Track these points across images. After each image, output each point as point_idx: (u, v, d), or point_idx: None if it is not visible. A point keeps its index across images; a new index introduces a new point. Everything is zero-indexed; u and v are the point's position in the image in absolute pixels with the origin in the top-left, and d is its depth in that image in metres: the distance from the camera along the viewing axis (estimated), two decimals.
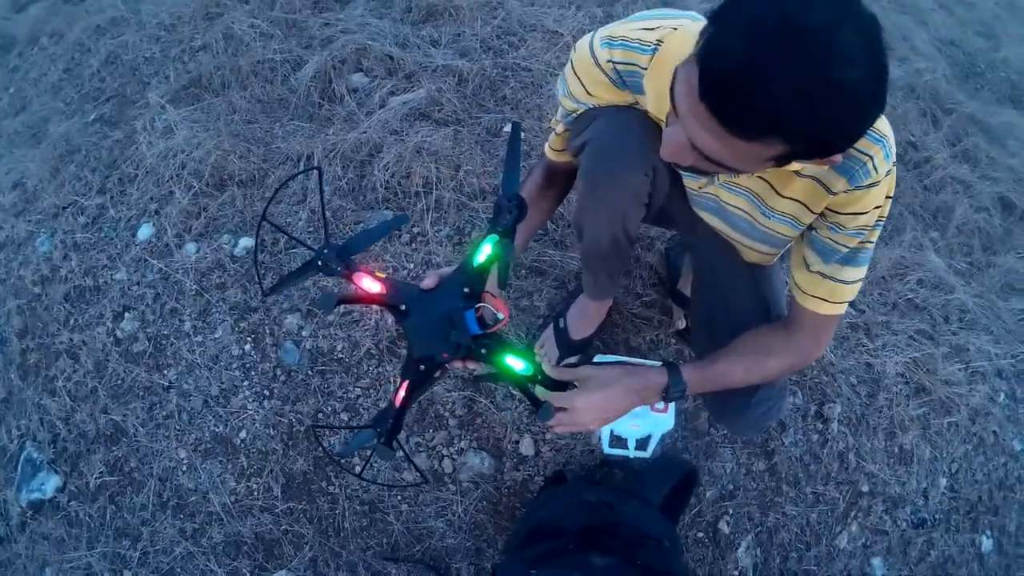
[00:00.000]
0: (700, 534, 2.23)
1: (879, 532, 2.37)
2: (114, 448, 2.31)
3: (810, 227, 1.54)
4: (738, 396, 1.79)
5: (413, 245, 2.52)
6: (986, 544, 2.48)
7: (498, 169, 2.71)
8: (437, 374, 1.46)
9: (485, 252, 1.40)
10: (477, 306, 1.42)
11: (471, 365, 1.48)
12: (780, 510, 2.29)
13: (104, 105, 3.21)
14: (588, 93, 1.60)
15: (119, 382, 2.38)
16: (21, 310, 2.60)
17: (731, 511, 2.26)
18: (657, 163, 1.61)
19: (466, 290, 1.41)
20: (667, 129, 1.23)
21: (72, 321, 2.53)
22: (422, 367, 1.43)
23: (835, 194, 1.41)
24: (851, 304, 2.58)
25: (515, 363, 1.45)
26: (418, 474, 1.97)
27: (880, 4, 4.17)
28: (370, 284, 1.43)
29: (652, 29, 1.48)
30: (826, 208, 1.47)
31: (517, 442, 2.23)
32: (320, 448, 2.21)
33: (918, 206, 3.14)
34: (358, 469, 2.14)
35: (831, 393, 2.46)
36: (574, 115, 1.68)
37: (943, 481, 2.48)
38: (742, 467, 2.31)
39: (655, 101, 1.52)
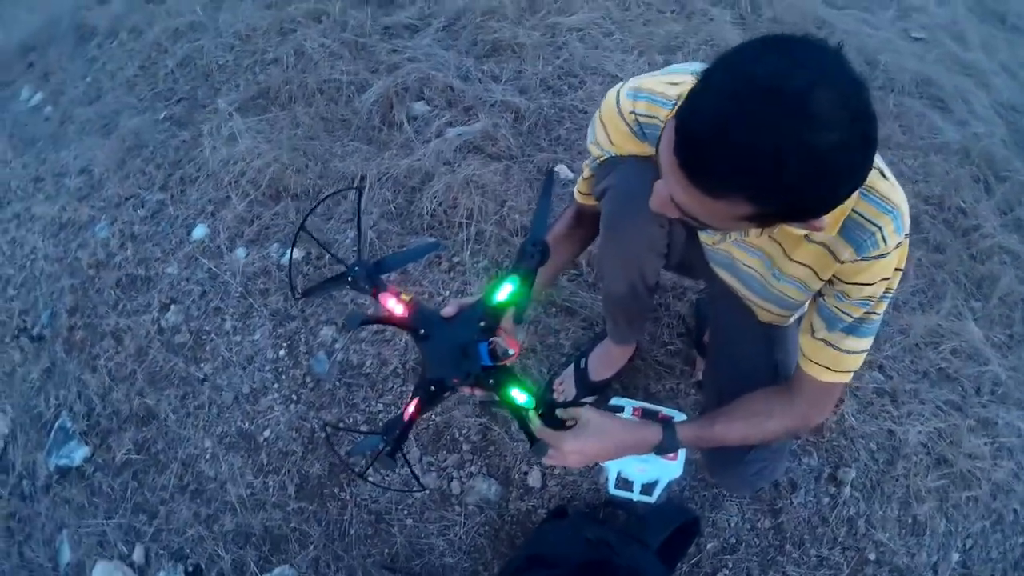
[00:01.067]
0: None
1: None
2: (144, 429, 2.50)
3: (819, 293, 1.57)
4: (733, 452, 1.88)
5: (451, 273, 2.70)
6: None
7: (553, 204, 2.86)
8: (446, 395, 1.59)
9: (505, 291, 1.52)
10: (490, 340, 1.55)
11: (478, 392, 1.59)
12: (781, 570, 2.33)
13: (175, 105, 3.45)
14: (611, 141, 1.67)
15: (157, 369, 2.58)
16: (74, 289, 2.82)
17: (731, 565, 2.31)
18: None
19: (482, 324, 1.54)
20: (657, 183, 1.28)
21: (121, 306, 2.74)
22: (432, 388, 1.55)
23: (842, 263, 1.44)
24: (880, 368, 2.68)
25: (518, 395, 1.56)
26: (417, 483, 2.09)
27: (944, 65, 4.24)
28: (394, 305, 1.56)
29: (676, 84, 1.54)
30: (833, 276, 1.49)
31: (526, 473, 2.36)
32: (330, 446, 2.38)
33: (962, 274, 3.13)
34: (370, 476, 2.31)
35: (848, 457, 2.50)
36: (599, 161, 1.75)
37: (955, 556, 2.46)
38: (747, 522, 2.37)
39: None
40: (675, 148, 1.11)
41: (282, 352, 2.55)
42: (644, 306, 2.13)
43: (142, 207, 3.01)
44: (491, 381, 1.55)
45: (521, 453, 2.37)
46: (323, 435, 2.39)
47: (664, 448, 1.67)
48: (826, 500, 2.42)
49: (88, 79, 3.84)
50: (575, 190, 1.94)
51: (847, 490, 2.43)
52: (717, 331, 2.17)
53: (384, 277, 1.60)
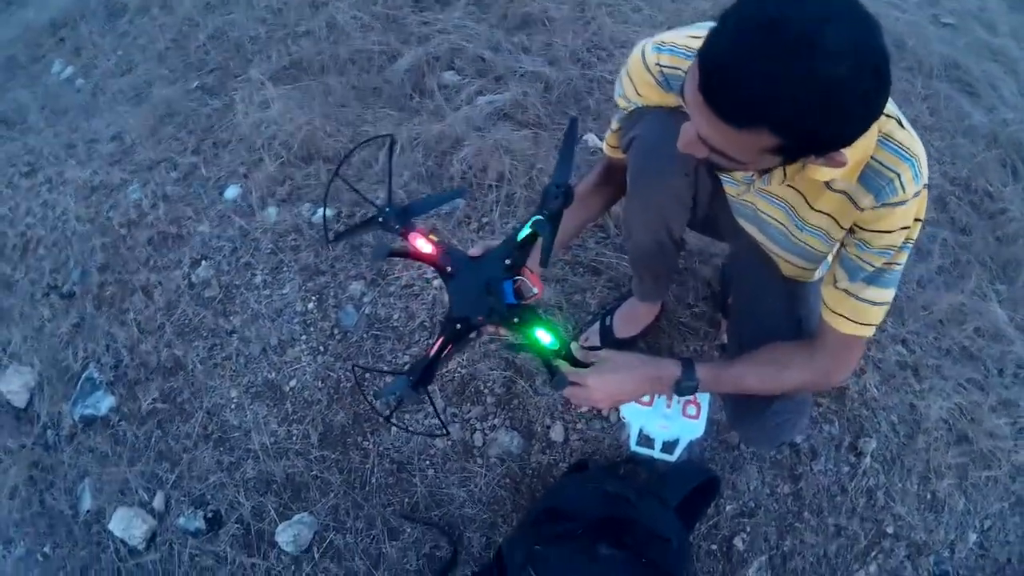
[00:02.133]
0: (714, 547, 2.32)
1: None
2: (171, 380, 2.56)
3: (842, 243, 1.60)
4: (755, 402, 1.91)
5: (480, 232, 2.75)
6: None
7: (578, 171, 2.90)
8: (472, 335, 1.65)
9: (529, 231, 1.56)
10: (515, 278, 1.60)
11: (503, 332, 1.65)
12: (799, 536, 2.35)
13: (207, 76, 3.53)
14: (638, 93, 1.72)
15: (186, 322, 2.65)
16: (105, 247, 2.89)
17: (748, 529, 2.34)
18: (699, 164, 1.69)
19: (507, 262, 1.59)
20: (685, 123, 1.33)
21: (152, 262, 2.81)
22: (458, 326, 1.61)
23: (862, 210, 1.46)
24: (903, 343, 2.69)
25: (543, 336, 1.62)
26: (442, 427, 2.13)
27: (973, 51, 4.25)
28: (423, 244, 1.61)
29: (698, 37, 1.47)
30: (854, 224, 1.52)
31: (549, 427, 2.40)
32: (358, 386, 2.44)
33: (988, 256, 3.15)
34: (395, 420, 2.36)
35: (869, 428, 2.51)
36: (627, 112, 1.80)
37: (972, 536, 2.46)
38: (766, 486, 2.40)
39: None
40: (699, 86, 1.17)
41: (311, 305, 2.61)
42: (670, 262, 2.18)
43: (174, 169, 3.08)
44: (515, 320, 1.60)
45: (545, 407, 2.41)
46: (352, 377, 2.45)
47: (682, 385, 1.71)
48: (846, 469, 2.45)
49: (119, 52, 3.93)
50: (604, 143, 1.98)
51: (867, 460, 2.45)
52: (741, 288, 2.21)
53: (413, 221, 1.64)
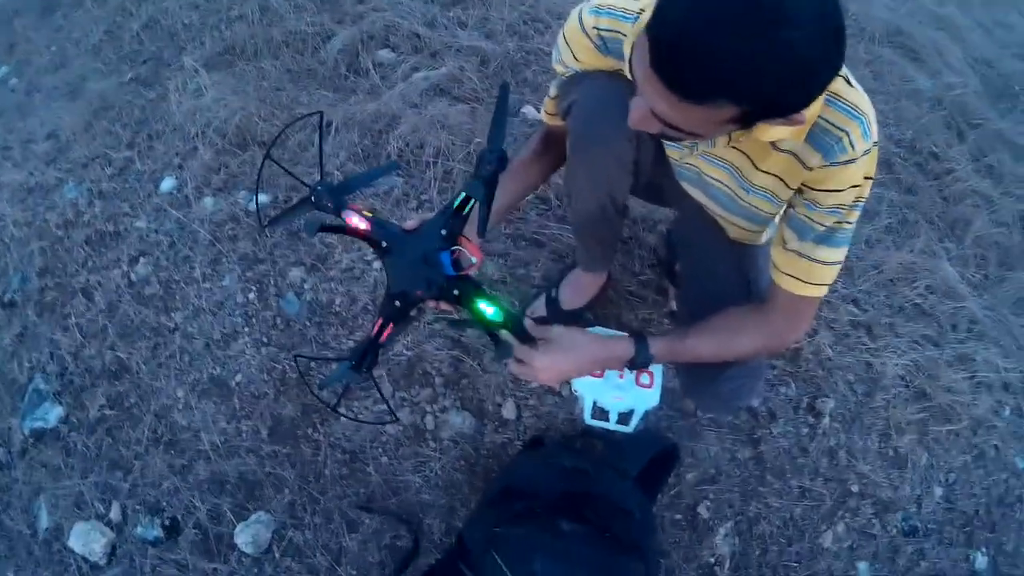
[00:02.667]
0: (678, 516, 2.31)
1: (867, 535, 2.40)
2: (117, 383, 2.50)
3: (789, 204, 1.57)
4: (708, 369, 1.87)
5: (419, 211, 2.70)
6: (980, 561, 2.48)
7: (508, 147, 2.85)
8: (413, 312, 1.61)
9: (463, 197, 1.54)
10: (452, 248, 1.57)
11: (444, 306, 1.62)
12: (763, 501, 2.35)
13: (141, 67, 3.47)
14: (576, 58, 1.68)
15: (128, 322, 2.59)
16: (44, 251, 2.82)
17: (711, 496, 2.33)
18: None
19: (443, 232, 1.55)
20: (634, 98, 1.28)
21: (90, 263, 2.75)
22: (397, 303, 1.58)
23: (810, 169, 1.44)
24: (854, 302, 2.70)
25: (486, 308, 1.58)
26: (390, 413, 2.11)
27: (916, 20, 4.27)
28: (357, 220, 1.57)
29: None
30: (802, 184, 1.49)
31: (500, 405, 2.38)
32: (300, 377, 2.39)
33: (935, 216, 3.18)
34: (342, 409, 2.33)
35: (826, 388, 2.52)
36: (565, 78, 1.76)
37: (938, 490, 2.49)
38: (726, 452, 2.40)
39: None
40: (651, 62, 1.13)
41: (252, 295, 2.57)
42: (614, 229, 2.15)
43: (109, 165, 3.02)
44: (456, 293, 1.57)
45: (495, 385, 2.39)
46: (295, 366, 2.41)
47: (636, 362, 1.70)
48: (805, 431, 2.47)
49: (53, 48, 3.87)
50: (542, 111, 1.94)
51: (826, 421, 2.47)
52: (688, 254, 2.17)
53: (347, 199, 1.60)
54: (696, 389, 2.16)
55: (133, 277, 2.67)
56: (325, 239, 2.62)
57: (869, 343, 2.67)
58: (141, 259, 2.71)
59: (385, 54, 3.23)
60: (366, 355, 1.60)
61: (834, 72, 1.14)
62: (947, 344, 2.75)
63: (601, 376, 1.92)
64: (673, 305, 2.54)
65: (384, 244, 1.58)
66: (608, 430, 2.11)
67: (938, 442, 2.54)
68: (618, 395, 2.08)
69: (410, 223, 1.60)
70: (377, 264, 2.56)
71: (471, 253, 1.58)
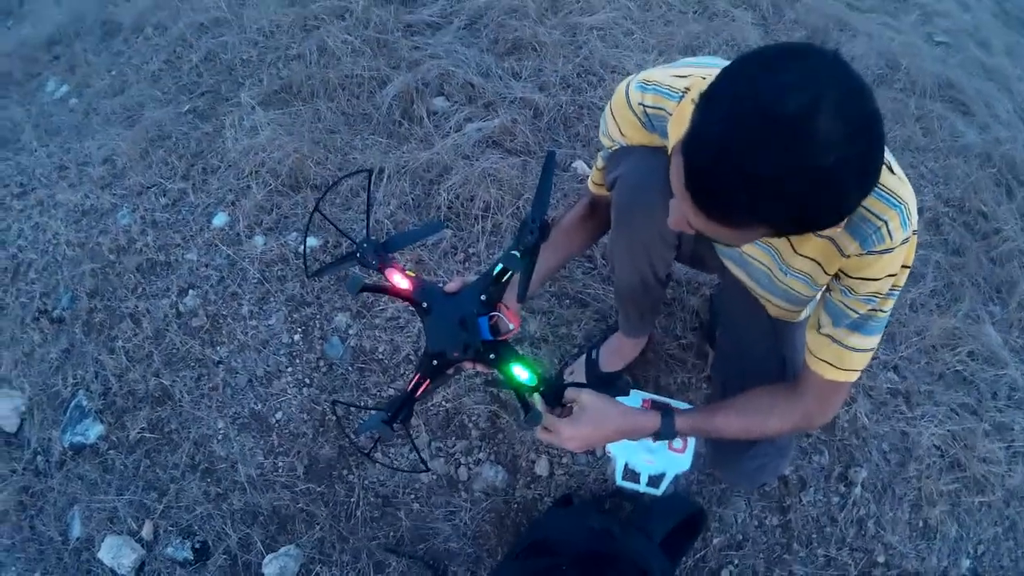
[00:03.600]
0: None
1: None
2: (159, 409, 2.57)
3: (827, 288, 1.57)
4: (734, 445, 1.91)
5: (467, 263, 2.78)
6: None
7: (559, 203, 2.96)
8: (449, 371, 1.66)
9: (504, 266, 1.57)
10: (491, 314, 1.61)
11: (480, 367, 1.65)
12: (787, 568, 2.33)
13: (198, 99, 3.55)
14: (621, 133, 1.72)
15: (174, 351, 2.66)
16: (95, 273, 2.89)
17: (736, 562, 2.32)
18: None
19: (483, 297, 1.60)
20: (672, 201, 1.28)
21: (140, 290, 2.82)
22: (435, 362, 1.62)
23: (847, 257, 1.43)
24: (895, 369, 2.69)
25: (520, 372, 1.62)
26: (423, 464, 2.13)
27: (966, 69, 4.28)
28: (399, 279, 1.62)
29: (683, 76, 1.56)
30: (839, 270, 1.49)
31: (533, 462, 2.43)
32: (337, 422, 2.45)
33: (981, 278, 3.14)
34: (377, 455, 2.39)
35: (859, 457, 2.50)
36: (611, 151, 1.81)
37: (966, 562, 2.44)
38: (754, 519, 2.39)
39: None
40: (686, 183, 1.14)
41: (297, 336, 2.63)
42: (655, 298, 2.18)
43: (164, 195, 3.09)
44: (491, 356, 1.61)
45: (530, 442, 2.43)
46: (332, 412, 2.46)
47: (661, 436, 1.71)
48: (836, 500, 2.45)
49: (113, 72, 3.93)
50: (589, 180, 1.97)
51: (857, 490, 2.45)
52: (727, 323, 2.21)
53: (392, 256, 1.65)
54: (721, 461, 2.19)
55: (181, 308, 2.75)
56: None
57: (907, 411, 2.64)
58: (190, 291, 2.78)
59: (439, 102, 3.31)
60: (401, 408, 1.63)
61: (870, 181, 1.13)
62: (986, 412, 2.70)
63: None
64: (711, 372, 2.57)
65: (425, 305, 1.62)
66: (638, 492, 2.17)
67: (969, 513, 2.50)
68: (649, 458, 2.14)
69: (451, 285, 1.64)
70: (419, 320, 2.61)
71: (508, 320, 1.62)
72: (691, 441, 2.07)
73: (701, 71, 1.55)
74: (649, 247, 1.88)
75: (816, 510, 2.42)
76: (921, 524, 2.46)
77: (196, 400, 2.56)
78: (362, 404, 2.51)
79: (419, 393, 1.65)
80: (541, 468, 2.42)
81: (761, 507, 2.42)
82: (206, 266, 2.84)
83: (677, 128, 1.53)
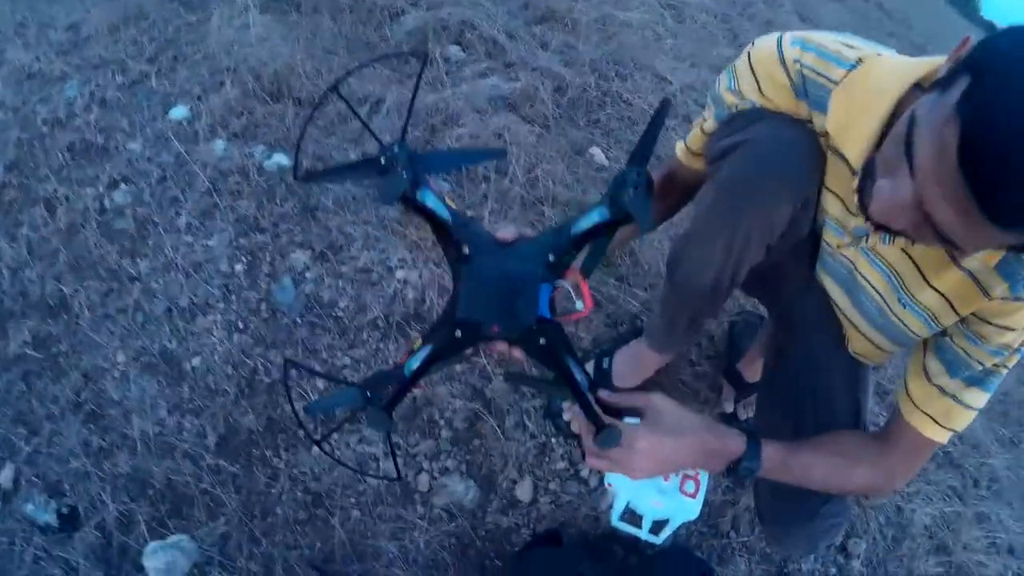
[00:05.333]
0: None
1: None
2: (51, 322, 1.64)
3: (944, 332, 1.07)
4: (808, 502, 1.27)
5: None
6: None
7: (580, 186, 2.06)
8: (468, 351, 0.99)
9: (588, 222, 0.93)
10: (557, 282, 0.95)
11: (516, 353, 0.97)
12: None
13: None
14: (760, 91, 1.10)
15: (85, 253, 1.73)
16: (20, 143, 1.97)
17: None
18: (811, 196, 1.11)
19: (551, 258, 0.93)
20: (885, 182, 0.85)
21: (65, 172, 1.89)
22: (458, 333, 0.93)
23: (990, 299, 0.98)
24: None
25: (575, 372, 0.97)
26: (392, 469, 1.33)
27: None
28: (435, 204, 0.92)
29: (853, 48, 1.05)
30: (971, 314, 1.02)
31: (515, 482, 1.55)
32: (284, 387, 1.53)
33: None
34: (328, 445, 1.49)
35: (859, 528, 1.85)
36: (736, 109, 1.14)
37: None
38: None
39: (838, 124, 1.02)
40: (962, 161, 0.72)
41: (239, 267, 1.70)
42: (716, 307, 1.40)
43: (122, 73, 2.14)
44: (541, 341, 0.93)
45: (514, 455, 1.55)
46: (279, 371, 1.55)
47: (742, 467, 1.08)
48: (833, 571, 1.75)
49: None
50: (680, 145, 1.30)
51: (856, 564, 1.77)
52: (797, 353, 1.38)
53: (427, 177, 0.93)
54: (784, 521, 1.41)
55: (106, 203, 1.80)
56: (345, 227, 1.77)
57: (905, 487, 1.99)
58: (122, 185, 1.84)
59: (455, 51, 2.38)
60: (389, 389, 0.94)
61: None
62: (970, 499, 2.10)
63: (609, 470, 1.20)
64: (727, 407, 1.77)
65: (465, 250, 0.93)
66: (636, 537, 1.36)
67: None
68: (658, 500, 1.33)
69: (505, 232, 0.96)
70: (401, 274, 1.71)
71: (583, 295, 0.96)
72: (704, 486, 1.28)
73: (869, 47, 1.06)
74: (751, 238, 1.13)
75: None
76: None
77: (97, 320, 1.63)
78: (328, 375, 1.59)
79: (421, 374, 0.94)
80: (523, 491, 1.53)
81: (762, 570, 1.67)
82: (149, 160, 1.88)
83: (846, 102, 1.02)
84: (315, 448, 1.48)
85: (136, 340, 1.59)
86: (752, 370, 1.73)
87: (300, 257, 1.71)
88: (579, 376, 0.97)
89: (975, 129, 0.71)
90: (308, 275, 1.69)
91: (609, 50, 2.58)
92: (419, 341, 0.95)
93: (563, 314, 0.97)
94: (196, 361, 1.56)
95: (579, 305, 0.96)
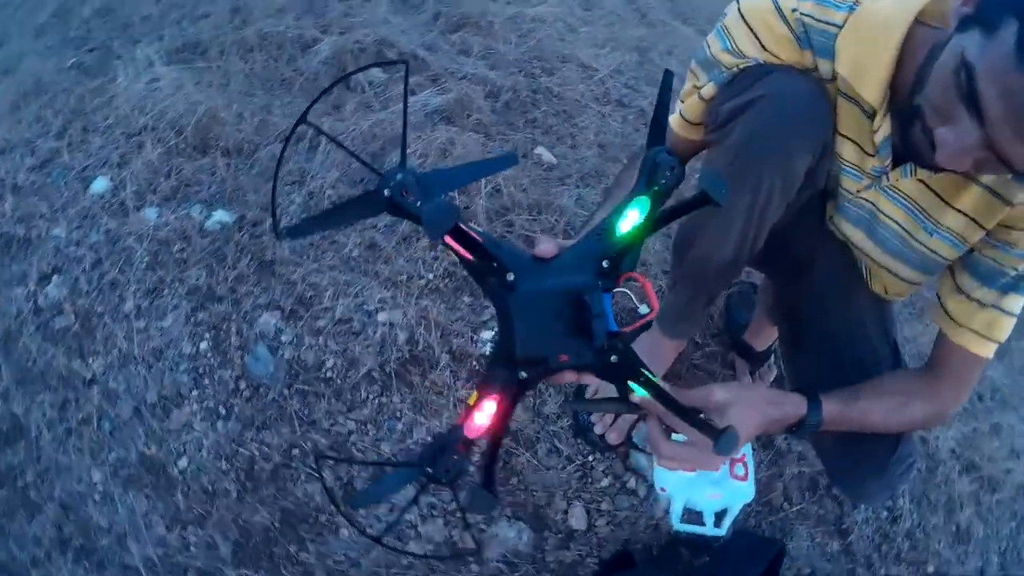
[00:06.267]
0: None
1: None
2: (9, 450, 1.29)
3: (970, 249, 1.00)
4: (877, 452, 1.16)
5: (433, 252, 1.55)
6: None
7: (536, 188, 1.77)
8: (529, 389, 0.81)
9: (632, 218, 0.73)
10: (616, 290, 0.77)
11: (589, 380, 0.79)
12: None
13: (86, 54, 2.16)
14: (762, 46, 0.96)
15: (29, 363, 1.37)
16: None
17: None
18: (828, 143, 0.99)
19: (605, 264, 0.74)
20: (947, 130, 0.76)
21: None
22: (523, 374, 0.73)
23: (1012, 205, 0.92)
24: None
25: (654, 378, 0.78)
26: (468, 542, 1.08)
27: None
28: (461, 233, 0.68)
29: None
30: (997, 224, 0.95)
31: (566, 512, 1.28)
32: (323, 487, 1.22)
33: None
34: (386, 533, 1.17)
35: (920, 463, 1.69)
36: (730, 74, 0.99)
37: (995, 559, 1.75)
38: (817, 547, 1.49)
39: (850, 67, 0.92)
40: None
41: (204, 345, 1.36)
42: (732, 278, 1.27)
43: (31, 155, 1.74)
44: (613, 359, 0.73)
45: (557, 484, 1.29)
46: (315, 471, 1.23)
47: (806, 426, 0.99)
48: (885, 514, 1.60)
49: None
50: (674, 118, 1.11)
51: (902, 502, 1.62)
52: (824, 306, 1.24)
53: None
54: (859, 477, 1.26)
55: (41, 301, 1.44)
56: (310, 277, 1.44)
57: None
58: (54, 277, 1.47)
59: (377, 72, 2.04)
60: (455, 459, 0.71)
61: None
62: (980, 414, 1.95)
63: (692, 471, 1.10)
64: (744, 380, 1.57)
65: (510, 277, 0.71)
66: (703, 536, 1.25)
67: (990, 511, 1.78)
68: (714, 492, 1.23)
69: (544, 247, 0.75)
70: (384, 316, 1.39)
71: (648, 296, 0.81)
72: (751, 465, 1.20)
73: None
74: (773, 195, 0.99)
75: (870, 528, 1.57)
76: (955, 529, 1.71)
77: (60, 439, 1.29)
78: (369, 461, 1.28)
79: (500, 429, 0.74)
80: (576, 519, 1.27)
81: (822, 532, 1.49)
82: (77, 244, 1.50)
83: (853, 45, 0.91)
84: (344, 531, 1.18)
85: (109, 452, 1.26)
86: (760, 339, 1.56)
87: (269, 320, 1.39)
88: (659, 386, 0.77)
89: None
90: (283, 338, 1.37)
91: (529, 47, 2.28)
92: (474, 395, 0.74)
93: (630, 323, 0.82)
94: (183, 463, 1.24)
95: (645, 308, 0.84)
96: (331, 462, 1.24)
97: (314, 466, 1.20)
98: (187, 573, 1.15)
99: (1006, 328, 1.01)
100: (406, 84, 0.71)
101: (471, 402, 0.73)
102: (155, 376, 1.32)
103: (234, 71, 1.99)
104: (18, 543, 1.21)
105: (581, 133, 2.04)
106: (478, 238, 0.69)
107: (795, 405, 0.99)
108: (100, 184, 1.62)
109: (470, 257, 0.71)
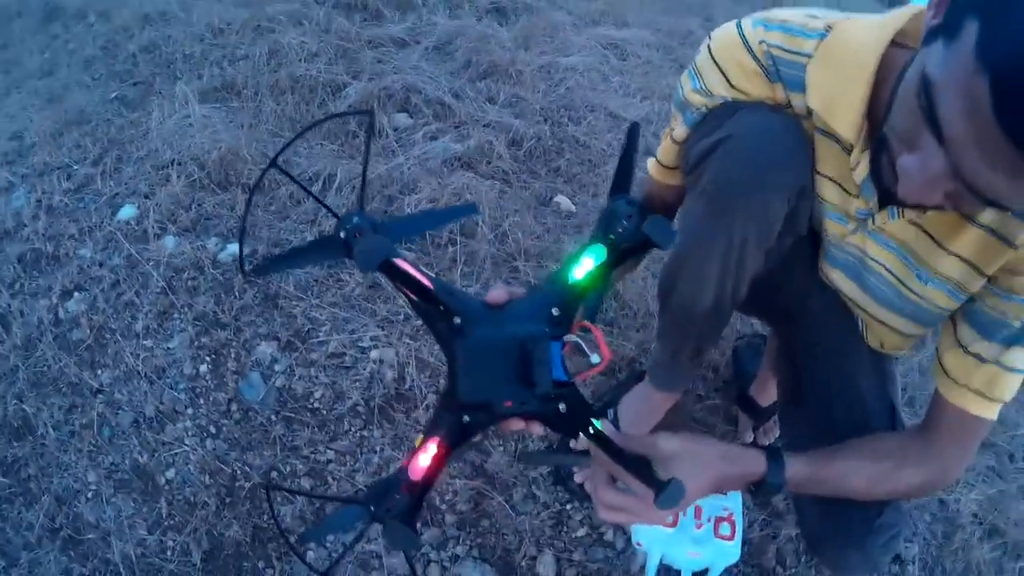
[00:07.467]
0: None
1: None
2: (16, 445, 1.51)
3: (971, 299, 0.95)
4: (860, 519, 1.13)
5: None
6: None
7: (551, 235, 1.98)
8: (476, 437, 0.99)
9: (586, 266, 0.82)
10: (566, 338, 0.83)
11: (535, 429, 0.85)
12: None
13: (129, 88, 2.49)
14: (730, 83, 0.99)
15: (44, 368, 1.60)
16: None
17: None
18: (805, 185, 0.99)
19: (555, 312, 0.81)
20: (909, 158, 0.72)
21: (18, 285, 1.77)
22: (466, 419, 0.80)
23: (1015, 248, 0.86)
24: None
25: (606, 430, 0.83)
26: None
27: None
28: (417, 275, 0.77)
29: (817, 17, 0.95)
30: (1000, 268, 0.89)
31: (534, 559, 1.41)
32: (272, 519, 1.37)
33: None
34: (332, 568, 1.32)
35: (907, 532, 1.69)
36: (701, 114, 1.03)
37: None
38: None
39: (821, 99, 0.91)
40: (1000, 113, 0.59)
41: (204, 368, 1.57)
42: (719, 329, 1.27)
43: (68, 179, 2.03)
44: (561, 408, 0.80)
45: (528, 530, 1.42)
46: (266, 499, 1.40)
47: (766, 486, 0.96)
48: None
49: (46, 55, 2.88)
50: (651, 164, 1.19)
51: (911, 569, 1.62)
52: (816, 360, 1.25)
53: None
54: (839, 544, 1.22)
55: (61, 313, 1.68)
56: (310, 312, 1.66)
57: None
58: (76, 293, 1.71)
59: (402, 118, 2.29)
60: (396, 499, 0.78)
61: None
62: (1009, 475, 1.95)
63: (673, 525, 1.19)
64: (747, 438, 1.64)
65: (456, 321, 0.79)
66: None
67: None
68: (695, 550, 1.25)
69: (495, 293, 0.83)
70: (375, 354, 1.60)
71: (598, 346, 0.85)
72: (740, 524, 1.23)
73: (834, 14, 0.95)
74: (747, 242, 1.01)
75: None
76: None
77: (63, 440, 1.51)
78: (316, 494, 1.43)
79: (435, 473, 0.81)
80: (545, 567, 1.39)
81: None
82: (100, 265, 1.76)
83: (824, 74, 0.91)
84: (310, 553, 1.35)
85: (106, 456, 1.47)
86: (765, 394, 1.60)
87: (266, 349, 1.60)
88: (611, 435, 0.84)
89: (1006, 74, 0.60)
90: (277, 367, 1.58)
91: (558, 96, 2.52)
92: (420, 437, 0.82)
93: (579, 372, 0.88)
94: (171, 473, 1.44)
95: (596, 358, 0.86)
96: (279, 492, 1.41)
97: (266, 492, 1.37)
98: (160, 574, 1.34)
99: (1010, 386, 0.95)
100: (368, 133, 0.91)
101: (418, 444, 0.81)
102: (156, 392, 1.54)
103: (266, 111, 2.26)
104: (14, 527, 1.42)
105: (604, 182, 2.22)
106: (422, 279, 0.77)
107: (754, 462, 0.96)
108: (127, 211, 1.88)
109: (414, 297, 0.79)
